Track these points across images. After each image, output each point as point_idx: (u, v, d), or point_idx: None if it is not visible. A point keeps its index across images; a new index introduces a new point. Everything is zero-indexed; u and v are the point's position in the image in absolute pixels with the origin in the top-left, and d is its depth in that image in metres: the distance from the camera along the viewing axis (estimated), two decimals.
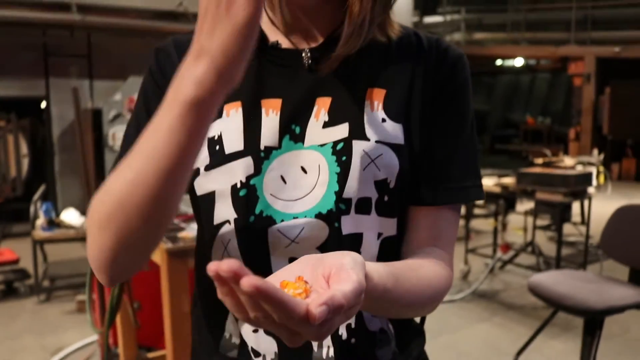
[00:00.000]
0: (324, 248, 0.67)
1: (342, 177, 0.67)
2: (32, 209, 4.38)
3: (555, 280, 2.55)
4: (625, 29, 11.68)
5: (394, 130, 0.70)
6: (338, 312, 0.44)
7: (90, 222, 0.59)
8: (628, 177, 11.49)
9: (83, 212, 4.73)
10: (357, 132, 0.69)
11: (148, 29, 7.63)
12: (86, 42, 7.78)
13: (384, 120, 0.70)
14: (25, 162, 7.32)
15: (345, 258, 0.50)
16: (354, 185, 0.68)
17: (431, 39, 0.75)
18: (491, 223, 5.29)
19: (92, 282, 1.97)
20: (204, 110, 0.50)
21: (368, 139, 0.69)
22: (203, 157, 0.70)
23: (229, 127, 0.70)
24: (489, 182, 4.74)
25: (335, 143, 0.69)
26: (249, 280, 0.40)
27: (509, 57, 14.70)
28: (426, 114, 0.72)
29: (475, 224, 6.58)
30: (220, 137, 0.70)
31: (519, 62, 15.31)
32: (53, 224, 4.22)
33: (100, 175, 7.39)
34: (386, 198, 0.70)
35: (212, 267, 0.41)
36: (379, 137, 0.69)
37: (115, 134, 7.47)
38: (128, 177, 0.53)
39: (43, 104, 7.76)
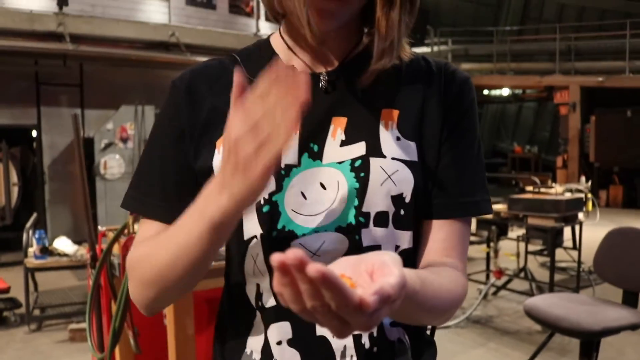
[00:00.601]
0: None
1: (361, 192, 0.71)
2: (24, 237, 4.35)
3: (550, 303, 2.57)
4: (608, 59, 12.01)
5: (408, 148, 0.74)
6: (387, 302, 0.47)
7: (132, 276, 0.74)
8: (615, 204, 11.62)
9: (74, 240, 4.70)
10: (374, 150, 0.73)
11: (140, 59, 7.70)
12: (78, 72, 7.83)
13: (398, 138, 0.74)
14: (15, 191, 7.27)
15: (384, 256, 0.53)
16: (372, 200, 0.71)
17: (439, 63, 0.80)
18: (483, 249, 5.32)
19: (92, 308, 1.97)
20: (225, 228, 0.63)
21: (384, 156, 0.73)
22: None
23: None
24: None
25: (354, 160, 0.72)
26: (315, 266, 0.43)
27: (495, 87, 14.97)
28: (437, 132, 0.76)
29: (468, 250, 6.60)
30: None
31: (505, 91, 15.59)
32: (46, 251, 4.18)
33: (91, 204, 7.35)
34: (402, 212, 0.73)
35: (277, 258, 0.44)
36: (394, 155, 0.73)
37: (107, 162, 7.46)
38: (166, 258, 0.68)
39: (34, 133, 7.75)
